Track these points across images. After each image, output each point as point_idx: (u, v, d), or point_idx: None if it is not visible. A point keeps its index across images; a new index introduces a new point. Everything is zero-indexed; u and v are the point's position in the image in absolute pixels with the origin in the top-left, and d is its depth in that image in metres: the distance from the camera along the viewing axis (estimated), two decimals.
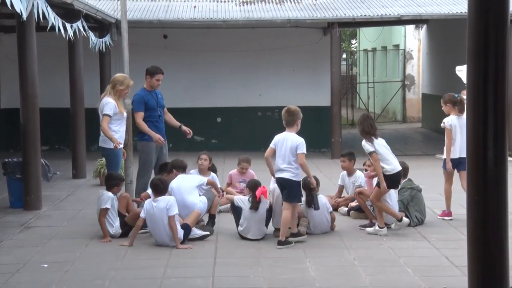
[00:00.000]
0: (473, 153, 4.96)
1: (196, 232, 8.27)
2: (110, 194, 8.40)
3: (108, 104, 8.94)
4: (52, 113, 15.94)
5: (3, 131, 16.83)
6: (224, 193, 10.30)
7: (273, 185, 8.69)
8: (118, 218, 8.42)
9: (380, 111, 26.24)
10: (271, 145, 8.17)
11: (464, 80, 14.32)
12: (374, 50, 28.83)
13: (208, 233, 8.39)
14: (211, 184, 8.85)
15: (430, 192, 10.39)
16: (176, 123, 9.91)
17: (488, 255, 4.92)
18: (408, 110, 25.38)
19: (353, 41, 37.60)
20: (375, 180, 8.68)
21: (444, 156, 9.26)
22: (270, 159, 8.14)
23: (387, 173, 8.29)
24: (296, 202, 8.12)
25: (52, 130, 16.18)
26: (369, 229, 8.56)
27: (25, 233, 8.78)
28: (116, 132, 9.01)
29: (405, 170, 9.12)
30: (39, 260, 7.44)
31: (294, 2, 17.49)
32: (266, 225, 8.41)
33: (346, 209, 9.65)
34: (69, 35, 10.39)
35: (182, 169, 8.97)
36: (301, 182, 8.35)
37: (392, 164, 8.35)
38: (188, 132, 9.80)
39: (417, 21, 19.98)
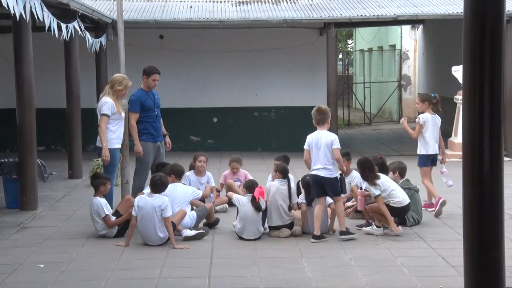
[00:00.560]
0: (469, 153, 4.96)
1: (190, 232, 8.25)
2: (99, 200, 8.40)
3: (106, 104, 8.94)
4: (48, 113, 15.93)
5: None
6: (220, 193, 10.33)
7: (268, 184, 8.71)
8: (113, 217, 8.42)
9: (376, 111, 26.27)
10: (306, 146, 8.38)
11: (460, 80, 14.38)
12: (370, 50, 28.86)
13: (202, 231, 8.38)
14: (206, 197, 8.87)
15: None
16: (163, 130, 9.86)
17: (484, 255, 4.93)
18: (404, 110, 25.41)
19: (350, 41, 37.63)
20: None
21: (420, 152, 9.71)
22: (309, 160, 8.36)
23: (395, 206, 8.38)
24: (340, 195, 8.44)
25: (48, 130, 16.18)
26: (365, 229, 8.57)
27: (21, 233, 8.77)
28: (114, 132, 9.02)
29: (402, 170, 9.19)
30: (35, 260, 7.43)
31: (290, 2, 17.49)
32: (263, 224, 8.42)
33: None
34: (64, 35, 10.38)
35: (180, 176, 8.89)
36: (300, 182, 8.39)
37: (399, 198, 8.39)
38: (168, 146, 9.81)
39: (413, 21, 20.02)
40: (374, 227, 8.46)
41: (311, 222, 8.50)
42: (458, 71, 15.00)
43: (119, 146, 9.18)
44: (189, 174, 9.86)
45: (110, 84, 9.14)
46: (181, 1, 17.70)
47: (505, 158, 10.90)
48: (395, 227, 8.19)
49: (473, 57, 4.90)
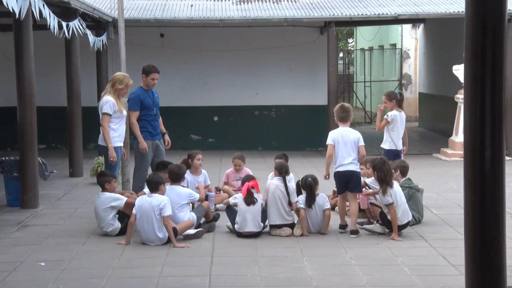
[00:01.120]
0: (470, 152, 4.96)
1: (190, 231, 8.25)
2: (108, 193, 8.41)
3: (108, 102, 8.95)
4: (49, 111, 15.93)
5: (0, 129, 16.81)
6: (221, 191, 10.32)
7: (268, 182, 8.71)
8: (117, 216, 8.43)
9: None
10: (330, 142, 8.55)
11: (461, 79, 14.37)
12: (371, 49, 28.85)
13: (202, 229, 8.38)
14: (202, 200, 8.83)
15: (428, 191, 10.41)
16: (162, 128, 9.88)
17: (486, 255, 4.93)
18: (405, 109, 25.33)
19: (350, 40, 37.60)
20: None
21: (386, 147, 9.96)
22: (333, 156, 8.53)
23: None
24: (359, 191, 8.62)
25: (49, 128, 16.18)
26: (367, 226, 8.57)
27: (22, 231, 8.77)
28: (115, 130, 9.04)
29: (404, 169, 9.17)
30: (36, 258, 7.43)
31: (291, 1, 17.48)
32: (262, 221, 8.41)
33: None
34: (64, 34, 10.38)
35: (177, 180, 8.67)
36: (300, 182, 8.40)
37: (398, 215, 8.29)
38: (167, 144, 9.84)
39: (414, 20, 20.00)
40: (377, 224, 8.45)
41: (310, 223, 8.48)
42: (459, 70, 15.00)
43: (121, 144, 9.20)
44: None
45: (111, 83, 9.16)
46: None
47: (507, 157, 10.89)
48: (397, 237, 8.18)
49: (474, 56, 4.89)
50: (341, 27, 21.39)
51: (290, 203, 8.46)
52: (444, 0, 16.75)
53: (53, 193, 11.33)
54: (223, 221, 8.91)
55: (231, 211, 8.54)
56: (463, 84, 5.19)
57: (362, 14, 15.90)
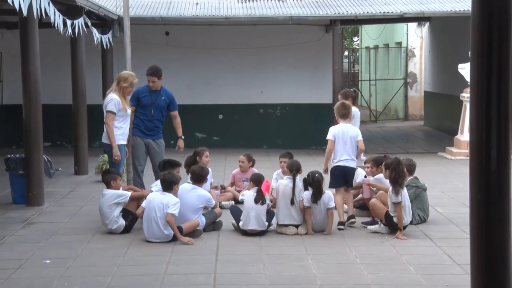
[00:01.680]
0: (476, 151, 4.94)
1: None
2: (113, 190, 8.43)
3: (112, 100, 8.97)
4: (54, 109, 15.96)
5: (5, 127, 16.85)
6: (225, 190, 10.32)
7: (276, 183, 8.70)
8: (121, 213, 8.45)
9: (382, 108, 26.24)
10: (331, 137, 8.84)
11: (467, 78, 14.35)
12: (376, 47, 28.81)
13: (200, 230, 8.32)
14: (216, 207, 8.80)
15: (433, 190, 10.37)
16: (178, 132, 9.97)
17: (491, 254, 4.91)
18: (410, 108, 25.36)
19: (355, 39, 37.57)
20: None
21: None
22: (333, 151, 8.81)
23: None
24: (351, 186, 8.93)
25: (54, 126, 16.21)
26: (371, 227, 8.55)
27: (27, 229, 8.79)
28: (119, 128, 9.08)
29: (411, 167, 9.13)
30: (41, 256, 7.45)
31: None
32: (268, 220, 8.41)
33: (347, 206, 9.63)
34: (69, 32, 10.39)
35: (200, 181, 8.56)
36: (306, 178, 8.42)
37: (405, 216, 8.30)
38: (177, 148, 9.95)
39: (419, 19, 19.94)
40: (381, 225, 8.44)
41: (315, 221, 8.47)
42: (464, 69, 14.96)
43: (125, 142, 9.23)
44: None
45: (116, 81, 9.20)
46: None
47: None
48: (402, 236, 8.17)
49: (480, 55, 4.87)
50: (346, 26, 21.34)
51: (292, 202, 8.43)
52: None
53: (58, 191, 11.35)
54: (228, 219, 8.92)
55: (235, 209, 8.55)
56: (468, 83, 5.18)
57: (367, 12, 15.88)
